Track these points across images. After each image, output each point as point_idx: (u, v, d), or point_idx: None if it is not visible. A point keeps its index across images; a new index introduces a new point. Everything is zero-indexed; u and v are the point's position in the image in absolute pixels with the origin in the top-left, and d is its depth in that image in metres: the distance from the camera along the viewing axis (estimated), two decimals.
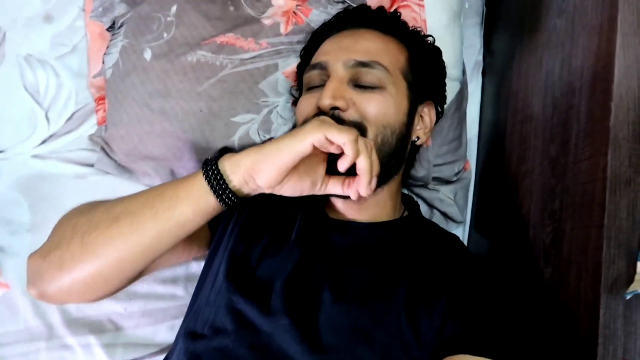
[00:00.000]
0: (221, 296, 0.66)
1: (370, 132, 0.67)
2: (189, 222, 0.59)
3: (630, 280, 0.51)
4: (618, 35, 0.57)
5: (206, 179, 0.58)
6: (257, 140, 0.84)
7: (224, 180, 0.58)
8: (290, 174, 0.59)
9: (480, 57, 1.00)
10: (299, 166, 0.59)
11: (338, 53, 0.72)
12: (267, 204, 0.75)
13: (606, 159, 0.55)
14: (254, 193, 0.61)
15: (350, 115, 0.67)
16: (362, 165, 0.58)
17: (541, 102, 0.74)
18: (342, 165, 0.58)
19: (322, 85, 0.71)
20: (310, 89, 0.73)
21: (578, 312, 0.56)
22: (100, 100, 0.90)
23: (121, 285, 0.64)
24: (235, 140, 0.83)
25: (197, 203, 0.58)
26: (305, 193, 0.62)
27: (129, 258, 0.59)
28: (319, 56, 0.74)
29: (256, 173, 0.58)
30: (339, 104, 0.67)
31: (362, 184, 0.59)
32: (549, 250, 0.64)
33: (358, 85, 0.69)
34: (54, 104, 0.90)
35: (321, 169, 0.63)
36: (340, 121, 0.65)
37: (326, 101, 0.66)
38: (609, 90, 0.57)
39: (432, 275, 0.65)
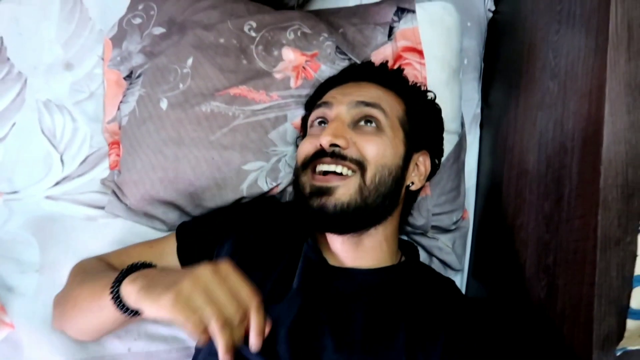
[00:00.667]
0: None
1: (370, 171, 0.71)
2: (115, 322, 0.70)
3: (620, 336, 0.53)
4: (606, 103, 0.62)
5: (112, 298, 0.63)
6: (265, 187, 0.87)
7: (123, 302, 0.62)
8: None
9: (479, 110, 1.05)
10: None
11: (342, 96, 0.77)
12: (261, 244, 0.78)
13: (597, 219, 0.59)
14: None
15: (351, 152, 0.72)
16: (221, 345, 0.54)
17: (535, 159, 0.78)
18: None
19: (321, 125, 0.78)
20: (312, 128, 0.79)
21: None
22: (113, 144, 0.94)
23: (98, 338, 0.81)
24: (244, 187, 0.86)
25: (110, 313, 0.65)
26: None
27: (87, 330, 0.75)
28: (325, 99, 0.80)
29: (140, 308, 0.59)
30: (340, 142, 0.71)
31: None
32: (544, 304, 0.67)
33: (358, 127, 0.74)
34: (69, 147, 0.93)
35: None
36: (341, 157, 0.71)
37: (327, 138, 0.71)
38: (598, 153, 0.61)
39: (429, 318, 0.68)
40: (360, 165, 0.71)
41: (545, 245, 0.70)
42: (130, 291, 0.60)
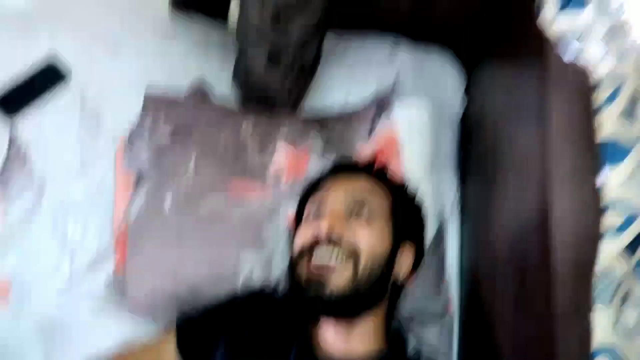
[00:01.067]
0: None
1: (362, 258, 0.77)
2: None
3: None
4: (554, 187, 0.67)
5: None
6: (259, 280, 0.93)
7: None
8: None
9: (456, 202, 1.11)
10: None
11: (336, 190, 0.84)
12: (254, 341, 0.82)
13: (556, 295, 0.61)
14: None
15: (346, 242, 0.78)
16: None
17: (506, 248, 0.82)
18: None
19: (317, 216, 0.83)
20: (307, 219, 0.84)
21: None
22: (120, 245, 0.99)
23: None
24: (240, 280, 0.92)
25: None
26: None
27: None
28: (319, 192, 0.87)
29: None
30: (336, 230, 0.78)
31: None
32: None
33: (352, 217, 0.81)
34: (79, 248, 0.98)
35: None
36: (337, 242, 0.77)
37: (325, 227, 0.77)
38: (550, 236, 0.65)
39: None
40: (354, 254, 0.77)
41: (517, 332, 0.72)
42: None
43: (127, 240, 0.97)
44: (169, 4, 1.17)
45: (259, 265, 0.93)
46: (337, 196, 0.83)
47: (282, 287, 0.95)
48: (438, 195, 1.03)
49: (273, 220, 0.95)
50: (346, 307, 0.76)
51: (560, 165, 0.68)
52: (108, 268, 0.97)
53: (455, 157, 1.14)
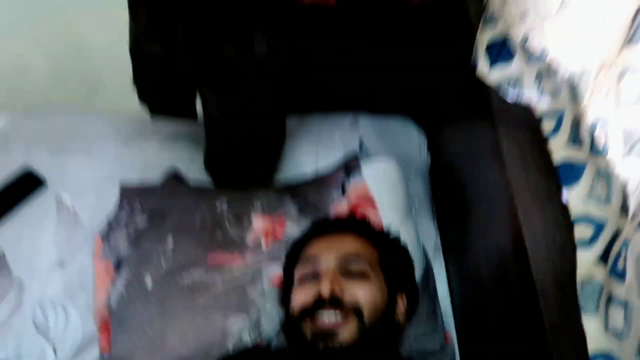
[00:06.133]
0: None
1: (366, 313, 0.79)
2: None
3: None
4: (520, 211, 0.73)
5: None
6: (249, 341, 0.92)
7: None
8: None
9: (439, 240, 1.15)
10: None
11: (328, 250, 0.86)
12: None
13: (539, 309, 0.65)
14: None
15: (347, 300, 0.79)
16: None
17: (489, 276, 0.87)
18: None
19: (314, 277, 0.84)
20: (302, 280, 0.85)
21: None
22: (103, 327, 0.98)
23: None
24: (229, 345, 0.91)
25: None
26: None
27: None
28: (310, 252, 0.88)
29: None
30: (338, 290, 0.79)
31: None
32: None
33: (347, 275, 0.82)
34: (62, 337, 0.98)
35: None
36: (339, 304, 0.78)
37: (327, 288, 0.79)
38: (525, 257, 0.70)
39: None
40: (355, 311, 0.79)
41: (511, 351, 0.75)
42: None
43: (110, 323, 0.95)
44: (147, 111, 1.20)
45: (247, 329, 0.92)
46: (329, 255, 0.85)
47: (274, 345, 0.94)
48: (419, 239, 1.07)
49: (257, 284, 0.96)
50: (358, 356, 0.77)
51: (521, 193, 0.74)
52: (94, 351, 0.97)
53: (429, 203, 1.20)
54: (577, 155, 0.63)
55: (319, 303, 0.79)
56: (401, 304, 0.88)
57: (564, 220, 0.63)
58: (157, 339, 0.91)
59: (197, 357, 0.90)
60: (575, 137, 0.63)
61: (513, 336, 0.75)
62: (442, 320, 1.01)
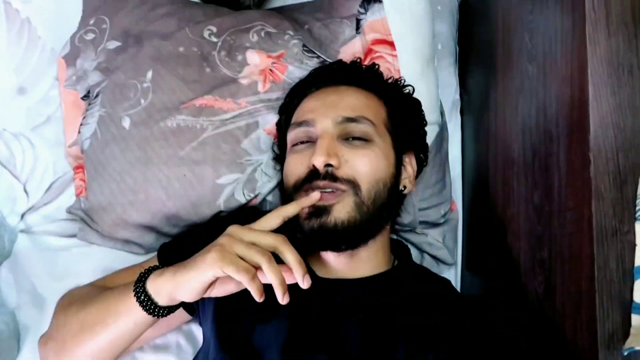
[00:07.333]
0: None
1: (364, 188, 0.68)
2: (136, 329, 0.65)
3: (626, 333, 0.51)
4: (590, 85, 0.58)
5: (137, 300, 0.63)
6: (243, 200, 0.83)
7: (152, 300, 0.62)
8: (211, 286, 0.60)
9: (457, 96, 1.01)
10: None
11: (324, 110, 0.72)
12: None
13: (590, 210, 0.56)
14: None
15: (343, 173, 0.68)
16: (275, 283, 0.57)
17: (521, 147, 0.75)
18: (279, 297, 0.57)
19: (308, 142, 0.72)
20: (296, 146, 0.74)
21: None
22: (77, 169, 0.88)
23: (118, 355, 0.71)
24: (221, 203, 0.82)
25: (135, 317, 0.64)
26: (236, 290, 0.62)
27: (98, 354, 0.68)
28: (304, 114, 0.75)
29: (177, 295, 0.61)
30: (333, 162, 0.68)
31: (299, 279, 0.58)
32: (543, 300, 0.65)
33: (347, 140, 0.70)
34: (32, 175, 0.89)
35: None
36: (334, 178, 0.67)
37: (320, 159, 0.67)
38: (586, 140, 0.58)
39: (428, 327, 0.65)
40: (352, 185, 0.68)
41: (539, 238, 0.67)
42: (163, 281, 0.61)
43: (85, 165, 0.85)
44: None
45: (240, 185, 0.82)
46: (326, 116, 0.71)
47: (269, 206, 0.87)
48: (438, 94, 0.92)
49: (251, 134, 0.83)
50: (352, 239, 0.68)
51: (596, 60, 0.58)
52: (69, 192, 0.89)
53: (454, 49, 1.02)
54: None
55: (312, 175, 0.68)
56: (409, 168, 0.78)
57: None
58: (141, 192, 0.81)
59: (183, 210, 0.82)
60: None
61: (542, 227, 0.66)
62: (451, 188, 0.93)
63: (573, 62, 0.61)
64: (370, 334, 0.65)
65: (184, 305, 0.67)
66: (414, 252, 0.91)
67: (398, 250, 0.80)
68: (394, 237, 0.90)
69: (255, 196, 0.84)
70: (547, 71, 0.68)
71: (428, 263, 0.92)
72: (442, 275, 0.86)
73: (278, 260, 0.58)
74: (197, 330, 0.85)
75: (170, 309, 0.64)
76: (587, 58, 0.59)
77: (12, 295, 0.85)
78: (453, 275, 0.95)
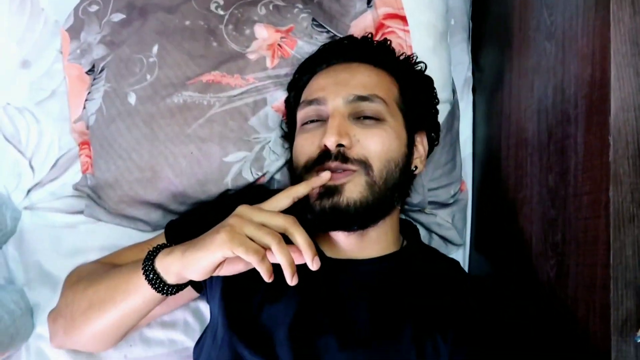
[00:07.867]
0: (224, 351, 0.65)
1: (376, 168, 0.67)
2: (145, 306, 0.65)
3: (639, 321, 0.50)
4: (612, 65, 0.56)
5: (146, 278, 0.62)
6: (250, 178, 0.82)
7: (161, 279, 0.62)
8: (219, 265, 0.60)
9: (470, 74, 0.99)
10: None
11: (335, 88, 0.71)
12: None
13: (608, 195, 0.54)
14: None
15: (354, 153, 0.67)
16: (284, 264, 0.56)
17: (535, 128, 0.73)
18: (287, 278, 0.56)
19: (319, 121, 0.71)
20: (306, 124, 0.72)
21: (588, 352, 0.55)
22: (83, 145, 0.87)
23: (116, 340, 0.74)
24: (228, 181, 0.81)
25: (144, 295, 0.64)
26: (244, 270, 0.62)
27: (107, 331, 0.69)
28: (315, 92, 0.73)
29: (185, 274, 0.60)
30: (345, 142, 0.66)
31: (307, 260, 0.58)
32: (555, 284, 0.64)
33: (359, 119, 0.69)
34: (37, 151, 0.88)
35: None
36: (345, 159, 0.66)
37: (332, 139, 0.66)
38: (606, 122, 0.56)
39: (436, 307, 0.65)
40: (363, 164, 0.67)
41: (552, 222, 0.66)
42: (172, 260, 0.60)
43: (90, 141, 0.84)
44: None
45: (248, 163, 0.81)
46: (338, 95, 0.69)
47: (277, 184, 0.86)
48: (450, 69, 0.89)
49: (259, 111, 0.82)
50: (364, 219, 0.67)
51: (619, 39, 0.56)
52: (75, 169, 0.88)
53: (467, 24, 0.99)
54: None
55: (323, 156, 0.67)
56: (421, 147, 0.77)
57: None
58: (147, 169, 0.80)
59: (190, 188, 0.81)
60: None
61: (556, 210, 0.65)
62: (461, 168, 0.91)
63: (595, 41, 0.59)
64: (379, 315, 0.65)
65: (192, 283, 0.67)
66: (423, 232, 0.90)
67: (407, 230, 0.79)
68: (403, 217, 0.90)
69: (263, 174, 0.83)
70: (567, 49, 0.66)
71: (436, 243, 0.91)
72: (450, 255, 0.86)
73: (286, 239, 0.57)
74: (205, 308, 0.85)
75: (178, 287, 0.64)
76: (610, 36, 0.56)
77: (20, 272, 0.85)
78: (461, 256, 0.94)
